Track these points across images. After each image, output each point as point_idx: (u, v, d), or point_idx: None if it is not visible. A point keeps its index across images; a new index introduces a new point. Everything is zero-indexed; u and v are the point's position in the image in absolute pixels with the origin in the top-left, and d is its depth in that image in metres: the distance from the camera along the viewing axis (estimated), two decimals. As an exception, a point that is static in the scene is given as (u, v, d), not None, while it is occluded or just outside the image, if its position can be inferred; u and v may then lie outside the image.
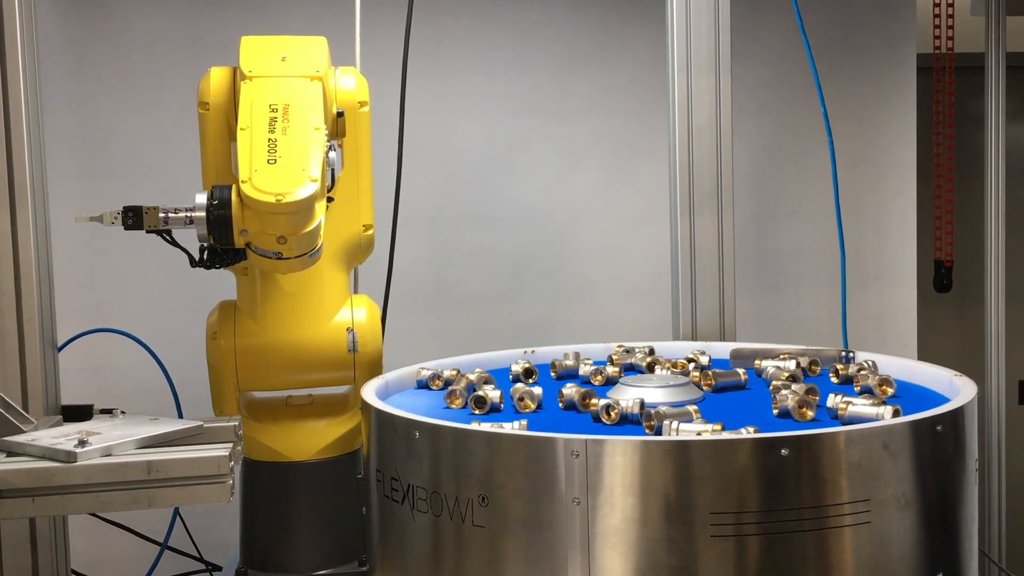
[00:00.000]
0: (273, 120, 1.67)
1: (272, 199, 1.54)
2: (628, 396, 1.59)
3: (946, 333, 3.97)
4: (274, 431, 1.95)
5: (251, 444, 1.94)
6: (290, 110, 1.69)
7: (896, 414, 1.44)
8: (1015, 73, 3.34)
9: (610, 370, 1.88)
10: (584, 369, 1.91)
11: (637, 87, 2.98)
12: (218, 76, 1.89)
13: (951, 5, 3.46)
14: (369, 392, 1.70)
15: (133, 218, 1.67)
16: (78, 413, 1.75)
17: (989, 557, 3.13)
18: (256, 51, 1.82)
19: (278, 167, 1.59)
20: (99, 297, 2.74)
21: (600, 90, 3.00)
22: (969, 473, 1.50)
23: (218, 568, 2.54)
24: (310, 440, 1.95)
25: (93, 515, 2.41)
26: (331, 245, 1.95)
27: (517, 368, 1.91)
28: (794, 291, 3.13)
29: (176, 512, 2.39)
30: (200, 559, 2.56)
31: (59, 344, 2.01)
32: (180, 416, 2.24)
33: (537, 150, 2.99)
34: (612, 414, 1.56)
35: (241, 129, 1.65)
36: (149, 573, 2.41)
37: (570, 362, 1.94)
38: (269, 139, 1.63)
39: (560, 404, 1.66)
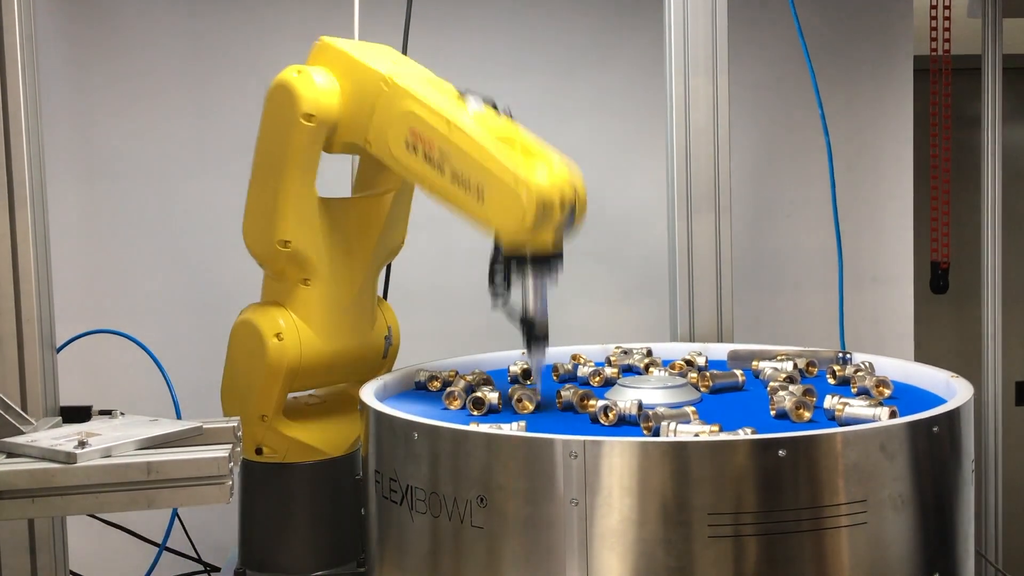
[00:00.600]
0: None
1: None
2: (626, 397, 1.60)
3: (943, 334, 3.98)
4: (311, 428, 1.94)
5: (287, 443, 1.90)
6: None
7: (893, 415, 1.45)
8: (1012, 75, 3.35)
9: (608, 371, 1.88)
10: (583, 371, 1.91)
11: (634, 88, 2.98)
12: (322, 76, 1.78)
13: (948, 7, 3.47)
14: (367, 393, 1.71)
15: None
16: (77, 414, 1.75)
17: (986, 558, 3.13)
18: (369, 55, 1.79)
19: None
20: (98, 298, 2.74)
21: (597, 91, 3.00)
22: (966, 474, 1.50)
23: (216, 569, 2.55)
24: (344, 435, 1.95)
25: (92, 516, 2.42)
26: (383, 253, 1.97)
27: (516, 369, 1.92)
28: (791, 292, 3.14)
29: (174, 513, 2.39)
30: (199, 560, 2.56)
31: (58, 345, 2.01)
32: (179, 417, 2.24)
33: (535, 151, 2.99)
34: (610, 415, 1.56)
35: (464, 134, 1.66)
36: (148, 574, 2.41)
37: (569, 365, 1.95)
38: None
39: (558, 405, 1.67)
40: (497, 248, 1.69)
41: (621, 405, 1.56)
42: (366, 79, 1.76)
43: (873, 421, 1.44)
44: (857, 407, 1.48)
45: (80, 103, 2.74)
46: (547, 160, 1.68)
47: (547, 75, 2.98)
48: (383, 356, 1.99)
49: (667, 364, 1.96)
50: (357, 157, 2.02)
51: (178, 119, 2.76)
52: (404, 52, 2.20)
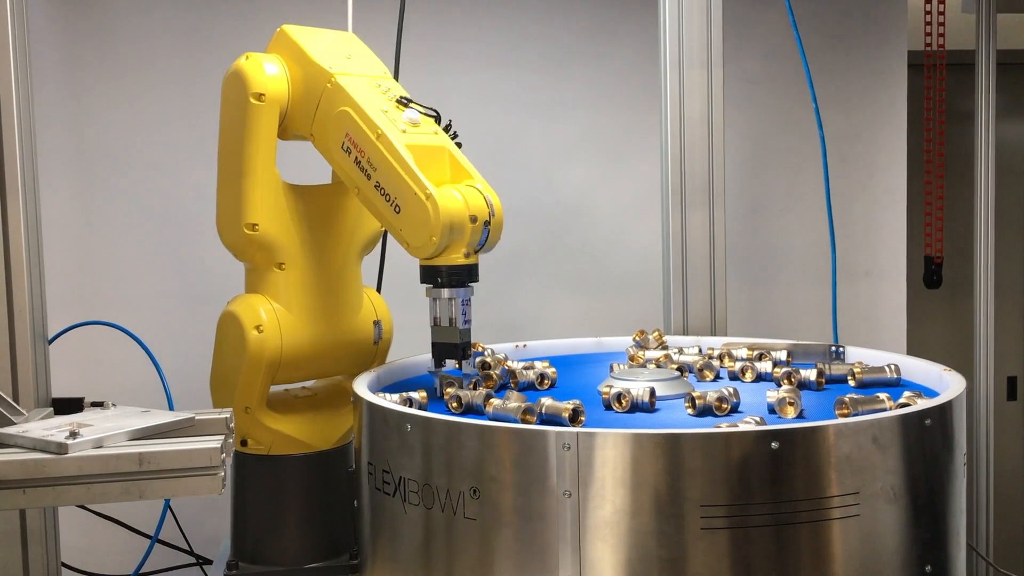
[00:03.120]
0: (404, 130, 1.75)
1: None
2: (627, 388, 1.61)
3: (935, 329, 3.99)
4: (297, 421, 1.94)
5: (271, 435, 1.91)
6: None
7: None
8: (1005, 70, 3.35)
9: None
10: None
11: (629, 82, 2.98)
12: (273, 65, 1.85)
13: (942, 2, 3.47)
14: (361, 385, 1.70)
15: None
16: (69, 406, 1.74)
17: (977, 551, 3.14)
18: (322, 45, 1.83)
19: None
20: (90, 290, 2.73)
21: (592, 85, 3.00)
22: (957, 467, 1.51)
23: (209, 561, 2.54)
24: (333, 429, 1.95)
25: (84, 508, 2.41)
26: (360, 239, 1.97)
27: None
28: (785, 286, 3.14)
29: (167, 505, 2.39)
30: (191, 552, 2.56)
31: (50, 337, 2.00)
32: (171, 409, 2.23)
33: (529, 144, 2.99)
34: (623, 402, 1.59)
35: (378, 135, 1.70)
36: (140, 566, 2.41)
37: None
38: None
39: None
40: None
41: (634, 392, 1.59)
42: (314, 73, 1.82)
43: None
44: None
45: (73, 95, 2.73)
46: (467, 180, 1.73)
47: (541, 69, 2.98)
48: (374, 343, 1.98)
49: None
50: None
51: (171, 112, 2.75)
52: (398, 47, 2.20)
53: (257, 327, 1.83)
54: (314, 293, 1.90)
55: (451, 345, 1.72)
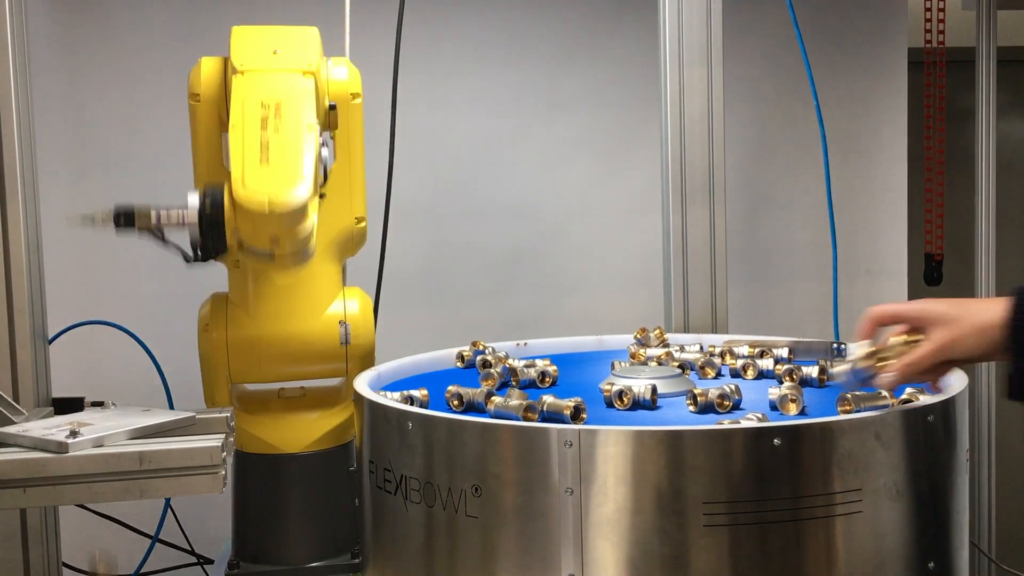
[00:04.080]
0: (265, 119, 1.65)
1: (265, 204, 1.51)
2: (627, 385, 1.60)
3: (936, 327, 3.97)
4: (266, 423, 1.94)
5: (244, 436, 1.93)
6: (282, 108, 1.67)
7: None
8: (1006, 67, 3.35)
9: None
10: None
11: (629, 80, 2.98)
12: (209, 67, 1.87)
13: (942, -1, 3.48)
14: (362, 383, 1.70)
15: (124, 219, 1.66)
16: (69, 405, 1.74)
17: (979, 548, 3.14)
18: (247, 43, 1.81)
19: (270, 169, 1.57)
20: (90, 289, 2.73)
21: (592, 82, 3.00)
22: (960, 464, 1.50)
23: (210, 561, 2.54)
24: (303, 432, 1.94)
25: (84, 508, 2.41)
26: (324, 238, 1.94)
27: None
28: (786, 284, 3.14)
29: (167, 504, 2.39)
30: (192, 552, 2.55)
31: (50, 336, 2.00)
32: (172, 408, 2.23)
33: (529, 143, 2.99)
34: (625, 399, 1.58)
35: (232, 127, 1.64)
36: (140, 566, 2.41)
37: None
38: (261, 139, 1.62)
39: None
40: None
41: (636, 389, 1.58)
42: (229, 70, 1.82)
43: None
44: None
45: (72, 94, 2.73)
46: (269, 176, 1.59)
47: (541, 66, 2.97)
48: (342, 343, 1.92)
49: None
50: None
51: (171, 110, 2.73)
52: (398, 43, 2.19)
53: (205, 327, 1.88)
54: (265, 291, 1.90)
55: None
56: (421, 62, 2.84)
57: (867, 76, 3.16)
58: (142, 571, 2.41)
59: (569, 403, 1.47)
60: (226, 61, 1.86)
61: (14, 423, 1.58)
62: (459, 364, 2.01)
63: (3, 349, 1.84)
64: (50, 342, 2.00)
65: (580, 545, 1.34)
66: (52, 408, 1.77)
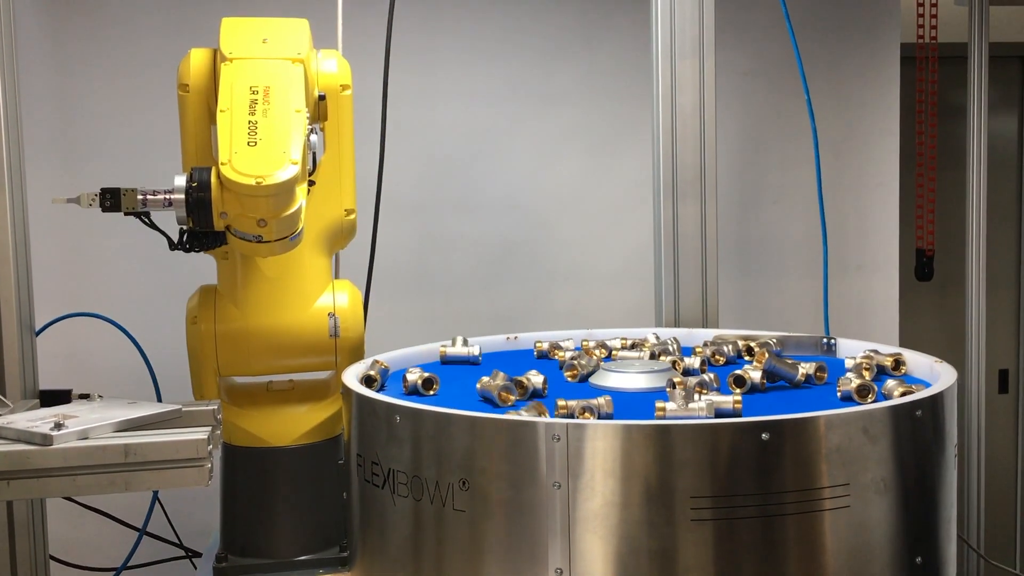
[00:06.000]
0: (254, 102, 1.65)
1: (252, 181, 1.53)
2: (609, 381, 1.60)
3: (927, 322, 3.99)
4: (254, 416, 1.94)
5: (232, 429, 1.93)
6: (271, 92, 1.67)
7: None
8: (997, 63, 3.35)
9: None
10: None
11: (620, 73, 2.97)
12: (199, 58, 1.86)
13: (935, -6, 3.48)
14: (350, 377, 1.69)
15: (111, 200, 1.65)
16: (56, 398, 1.73)
17: (967, 543, 3.15)
18: (237, 33, 1.80)
19: (258, 149, 1.57)
20: (78, 281, 2.72)
21: (584, 76, 2.99)
22: (948, 459, 1.50)
23: (198, 554, 2.53)
24: (291, 425, 1.94)
25: (72, 500, 2.40)
26: (312, 229, 1.93)
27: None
28: (777, 279, 3.14)
29: (155, 497, 2.38)
30: (180, 545, 2.54)
31: (37, 328, 1.99)
32: (160, 401, 2.22)
33: (521, 136, 2.98)
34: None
35: (221, 111, 1.64)
36: (128, 559, 2.40)
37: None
38: (250, 121, 1.61)
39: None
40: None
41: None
42: (218, 59, 1.81)
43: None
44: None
45: (60, 85, 2.71)
46: (256, 156, 1.61)
47: (533, 59, 2.97)
48: (331, 335, 1.93)
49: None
50: None
51: (158, 101, 2.73)
52: (388, 35, 2.18)
53: (193, 319, 1.88)
54: (253, 283, 1.89)
55: None
56: (413, 56, 2.83)
57: (859, 71, 3.16)
58: (129, 564, 2.40)
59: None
60: (215, 52, 1.85)
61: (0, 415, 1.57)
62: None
63: (-10, 341, 1.83)
64: (37, 334, 1.99)
65: (568, 539, 1.33)
66: (38, 400, 1.76)
